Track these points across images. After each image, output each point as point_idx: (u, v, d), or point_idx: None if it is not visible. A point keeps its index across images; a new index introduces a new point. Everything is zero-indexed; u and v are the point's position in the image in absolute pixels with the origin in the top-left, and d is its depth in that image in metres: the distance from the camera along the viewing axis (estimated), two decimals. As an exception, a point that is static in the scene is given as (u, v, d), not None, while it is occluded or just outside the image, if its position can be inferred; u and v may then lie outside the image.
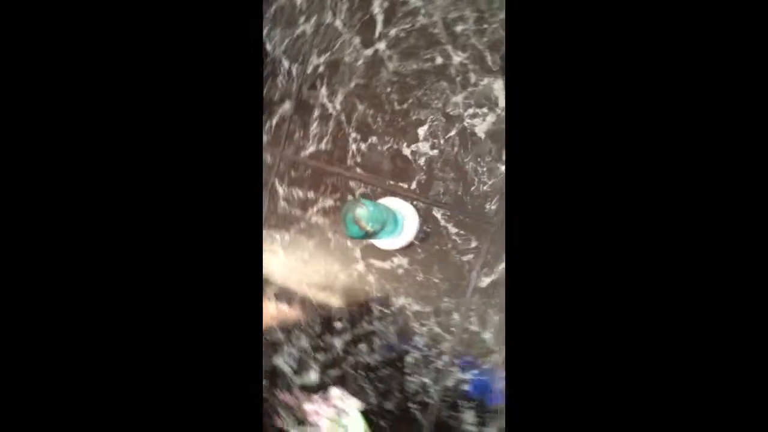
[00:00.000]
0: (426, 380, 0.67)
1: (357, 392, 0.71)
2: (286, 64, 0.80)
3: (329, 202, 0.76)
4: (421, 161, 0.70)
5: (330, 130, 0.76)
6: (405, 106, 0.72)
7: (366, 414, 0.70)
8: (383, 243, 0.69)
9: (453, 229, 0.67)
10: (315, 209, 0.77)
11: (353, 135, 0.75)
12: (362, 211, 0.58)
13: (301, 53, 0.79)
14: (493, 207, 0.65)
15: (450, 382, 0.65)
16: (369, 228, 0.58)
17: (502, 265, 0.64)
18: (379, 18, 0.74)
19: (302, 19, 0.79)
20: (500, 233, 0.64)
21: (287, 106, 0.80)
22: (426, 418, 0.66)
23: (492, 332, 0.63)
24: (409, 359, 0.68)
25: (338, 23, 0.77)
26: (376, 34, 0.74)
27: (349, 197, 0.74)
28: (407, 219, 0.69)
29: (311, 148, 0.78)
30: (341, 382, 0.73)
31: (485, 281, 0.65)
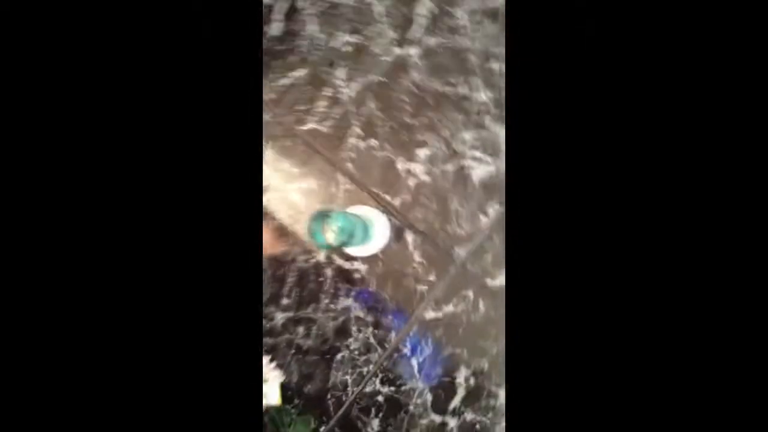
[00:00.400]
0: (348, 379, 0.72)
1: (283, 366, 0.76)
2: (312, 27, 0.76)
3: (312, 186, 0.76)
4: (411, 182, 0.71)
5: (335, 115, 0.75)
6: (415, 121, 0.71)
7: (284, 387, 0.75)
8: (349, 248, 0.71)
9: (418, 257, 0.70)
10: (295, 187, 0.77)
11: (356, 129, 0.74)
12: (331, 226, 0.60)
13: (332, 24, 0.75)
14: (461, 251, 0.68)
15: (368, 389, 0.71)
16: (335, 243, 0.60)
17: (450, 307, 0.68)
18: (422, 21, 0.71)
19: (344, -13, 0.74)
20: (462, 276, 0.68)
21: (301, 72, 0.76)
22: (336, 411, 0.72)
23: (418, 361, 0.69)
24: (338, 356, 0.73)
25: (379, 8, 0.72)
26: (412, 37, 0.71)
27: (321, 206, 0.74)
28: (377, 231, 0.70)
29: (311, 125, 0.76)
30: (271, 351, 0.77)
31: (430, 315, 0.69)
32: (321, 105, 0.75)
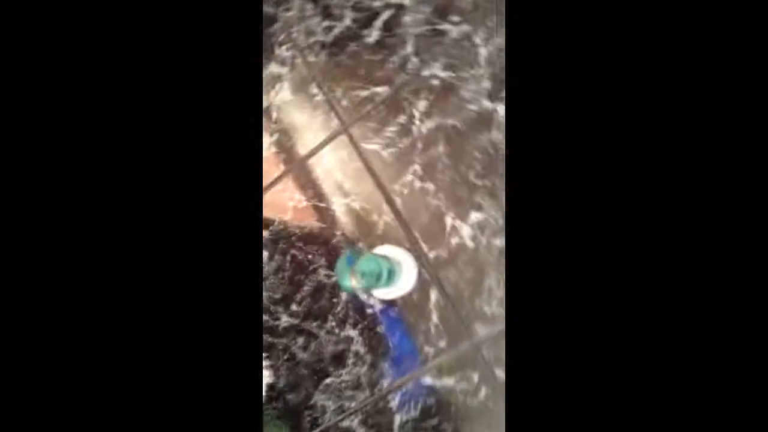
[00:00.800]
0: (329, 405, 0.72)
1: (273, 367, 0.77)
2: (409, 48, 0.71)
3: (356, 206, 0.74)
4: (454, 240, 0.67)
5: (401, 145, 0.71)
6: (479, 182, 0.67)
7: (269, 387, 0.77)
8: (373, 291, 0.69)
9: (435, 318, 0.68)
10: (339, 202, 0.75)
11: (417, 168, 0.70)
12: (357, 271, 0.58)
13: (430, 51, 0.70)
14: (481, 331, 0.65)
15: (344, 423, 0.71)
16: (358, 288, 0.58)
17: (451, 381, 0.66)
18: (522, 80, 0.65)
19: (456, 18, 0.69)
20: (473, 355, 0.65)
21: (383, 90, 0.73)
22: (309, 430, 0.73)
23: (402, 418, 0.68)
24: (327, 380, 0.73)
25: (485, 52, 0.67)
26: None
27: (350, 248, 0.72)
28: (404, 277, 0.68)
29: (375, 146, 0.73)
30: (267, 350, 0.78)
31: (428, 380, 0.67)
32: (391, 130, 0.72)
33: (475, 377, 0.64)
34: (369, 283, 0.59)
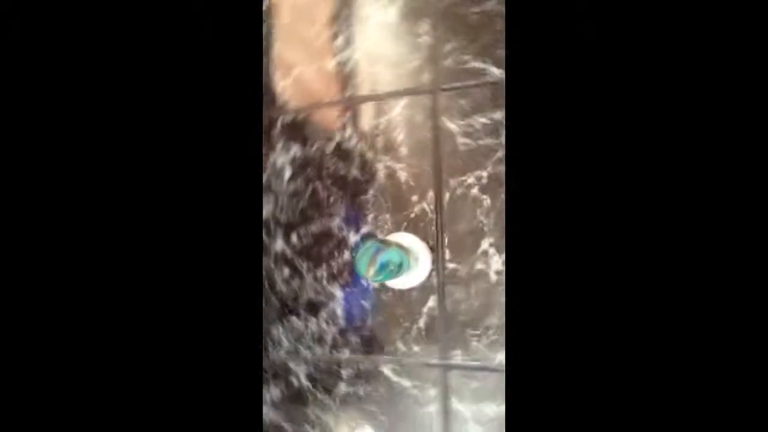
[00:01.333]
0: (284, 341, 0.72)
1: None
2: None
3: (401, 176, 0.67)
4: (479, 265, 0.64)
5: (483, 143, 0.63)
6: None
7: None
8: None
9: (422, 323, 0.66)
10: (386, 163, 0.67)
11: (483, 174, 0.63)
12: (378, 262, 0.54)
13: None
14: (456, 359, 0.64)
15: (292, 364, 0.72)
16: (372, 279, 0.55)
17: (408, 382, 0.66)
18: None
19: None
20: (439, 372, 0.65)
21: (499, 73, 0.62)
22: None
23: (347, 390, 0.69)
24: (293, 319, 0.72)
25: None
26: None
27: (375, 240, 0.66)
28: (415, 272, 0.65)
29: (455, 127, 0.64)
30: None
31: (387, 370, 0.67)
32: (480, 120, 0.63)
33: (432, 393, 0.65)
34: (386, 276, 0.55)
